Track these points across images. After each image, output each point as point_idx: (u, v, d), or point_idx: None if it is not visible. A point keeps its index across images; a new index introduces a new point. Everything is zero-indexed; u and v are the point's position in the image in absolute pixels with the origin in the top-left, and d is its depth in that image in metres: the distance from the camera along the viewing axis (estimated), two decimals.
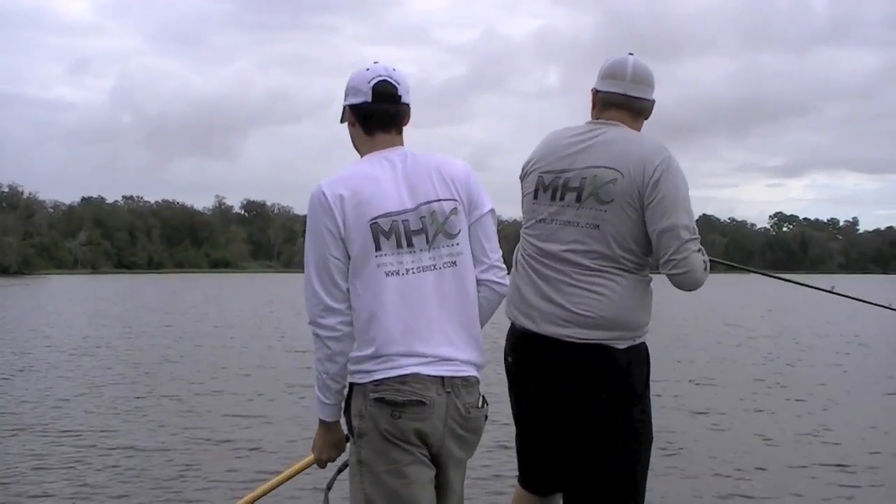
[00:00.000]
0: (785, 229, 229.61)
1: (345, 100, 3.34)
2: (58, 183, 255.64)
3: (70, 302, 47.27)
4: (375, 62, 3.31)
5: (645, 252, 3.49)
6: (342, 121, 3.38)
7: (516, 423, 3.87)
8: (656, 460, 8.74)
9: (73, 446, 9.71)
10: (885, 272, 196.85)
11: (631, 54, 3.74)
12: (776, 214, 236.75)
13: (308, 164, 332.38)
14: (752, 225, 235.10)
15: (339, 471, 4.63)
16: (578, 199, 3.50)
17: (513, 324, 3.72)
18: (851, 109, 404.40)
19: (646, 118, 3.71)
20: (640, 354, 3.57)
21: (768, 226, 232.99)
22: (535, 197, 3.66)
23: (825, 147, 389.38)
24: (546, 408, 3.63)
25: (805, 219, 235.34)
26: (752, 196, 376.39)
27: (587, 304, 3.46)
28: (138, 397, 13.33)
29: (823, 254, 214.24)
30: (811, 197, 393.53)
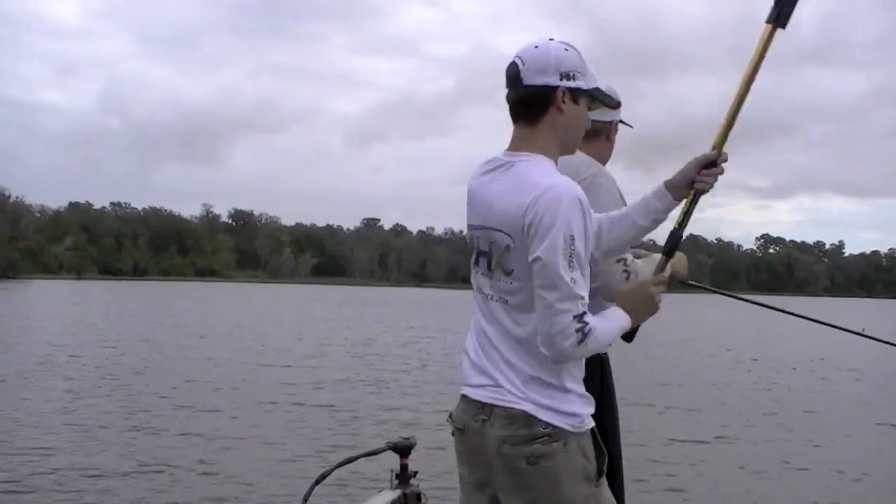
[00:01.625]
0: (771, 251, 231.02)
1: None
2: (45, 187, 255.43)
3: (48, 308, 46.99)
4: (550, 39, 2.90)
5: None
6: None
7: None
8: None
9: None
10: (870, 296, 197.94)
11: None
12: (762, 236, 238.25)
13: (294, 173, 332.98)
14: (739, 246, 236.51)
15: (317, 482, 4.56)
16: None
17: None
18: (838, 130, 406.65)
19: (607, 140, 3.87)
20: (599, 361, 3.61)
21: (754, 247, 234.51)
22: None
23: (811, 168, 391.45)
24: None
25: (791, 241, 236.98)
26: (738, 216, 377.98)
27: None
28: (100, 413, 13.10)
29: (809, 276, 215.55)
30: (797, 219, 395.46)
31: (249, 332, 31.70)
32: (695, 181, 3.03)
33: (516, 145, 2.85)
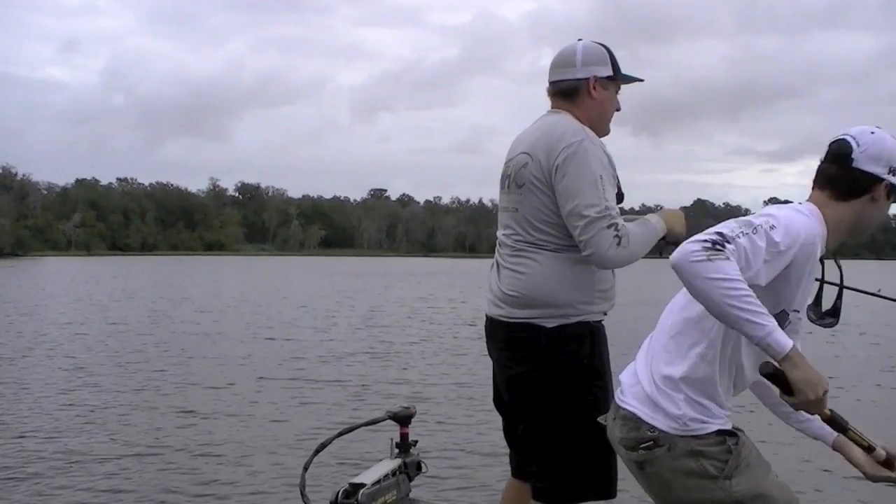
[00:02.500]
0: None
1: None
2: (51, 164, 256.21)
3: (54, 285, 47.07)
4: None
5: (566, 231, 3.48)
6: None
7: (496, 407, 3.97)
8: None
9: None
10: (879, 258, 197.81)
11: (580, 40, 3.72)
12: (771, 199, 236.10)
13: (301, 146, 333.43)
14: (747, 210, 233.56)
15: (317, 452, 4.52)
16: (508, 185, 3.65)
17: None
18: (846, 93, 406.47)
19: (590, 97, 3.64)
20: (574, 333, 3.53)
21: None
22: (500, 187, 3.78)
23: (819, 131, 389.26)
24: (500, 389, 3.77)
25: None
26: (746, 181, 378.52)
27: (511, 283, 3.55)
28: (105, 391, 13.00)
29: None
30: (805, 182, 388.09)
31: (257, 305, 31.62)
32: None
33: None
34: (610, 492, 3.60)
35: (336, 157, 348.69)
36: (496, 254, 3.70)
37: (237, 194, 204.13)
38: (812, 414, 2.68)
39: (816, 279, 3.05)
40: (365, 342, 19.64)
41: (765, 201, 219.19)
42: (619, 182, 3.61)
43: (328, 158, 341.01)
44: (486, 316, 3.73)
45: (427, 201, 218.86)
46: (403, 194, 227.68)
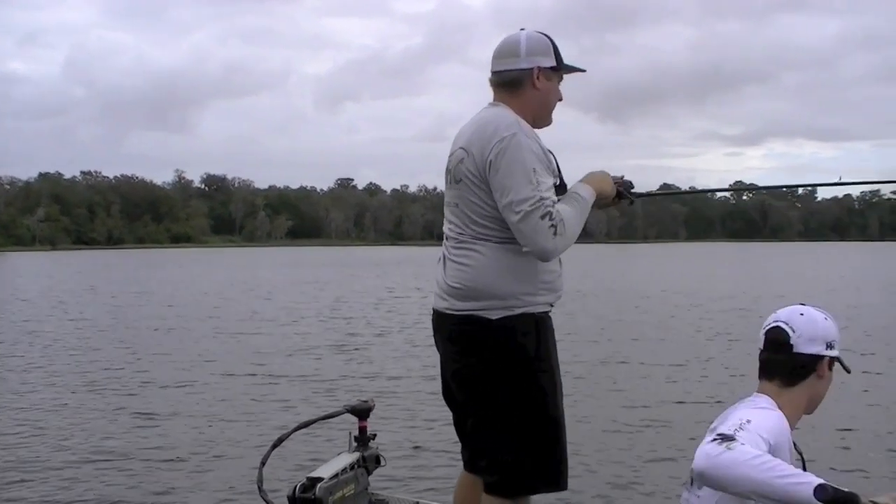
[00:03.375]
0: (745, 198, 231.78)
1: None
2: (13, 159, 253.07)
3: (16, 281, 46.65)
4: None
5: (505, 223, 3.47)
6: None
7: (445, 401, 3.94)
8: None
9: None
10: (843, 239, 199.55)
11: (522, 29, 3.70)
12: (736, 183, 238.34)
13: (267, 137, 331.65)
14: (713, 195, 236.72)
15: (274, 446, 4.51)
16: (449, 180, 3.66)
17: None
18: (810, 77, 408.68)
19: (534, 88, 3.62)
20: (518, 325, 3.51)
21: (728, 195, 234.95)
22: (446, 177, 3.77)
23: (783, 115, 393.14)
24: (453, 382, 3.73)
25: (765, 187, 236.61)
26: (711, 165, 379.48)
27: (456, 276, 3.54)
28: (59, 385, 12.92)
29: (783, 222, 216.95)
30: (770, 166, 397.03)
31: (222, 299, 31.49)
32: None
33: None
34: (560, 483, 3.58)
35: (302, 147, 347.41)
36: (443, 247, 3.69)
37: (203, 186, 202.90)
38: None
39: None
40: (329, 335, 19.60)
41: (730, 185, 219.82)
42: (560, 173, 3.60)
43: (295, 149, 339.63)
44: (433, 309, 3.72)
45: (394, 190, 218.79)
46: (370, 183, 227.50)
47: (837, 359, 2.91)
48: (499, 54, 3.65)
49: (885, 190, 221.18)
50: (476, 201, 3.50)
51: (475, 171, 3.48)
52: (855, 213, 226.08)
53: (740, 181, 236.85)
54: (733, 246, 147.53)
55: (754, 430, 2.58)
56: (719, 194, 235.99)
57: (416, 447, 9.05)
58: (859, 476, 7.91)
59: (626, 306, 26.60)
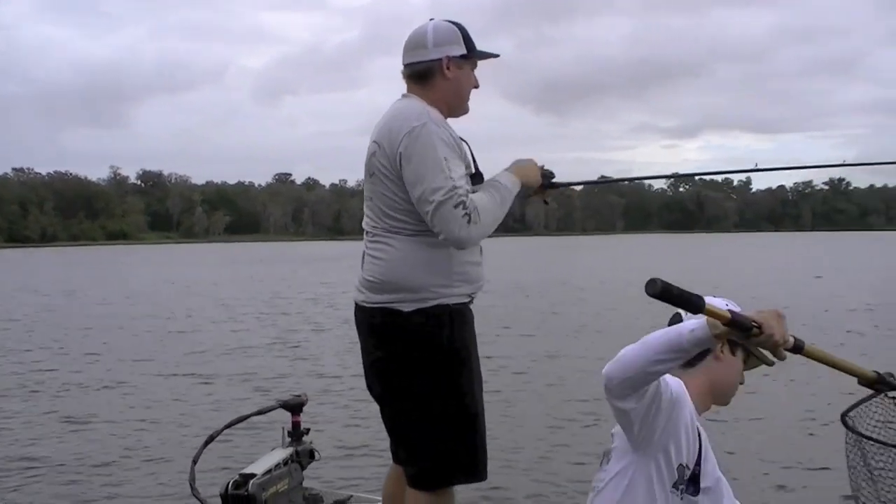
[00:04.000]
0: (682, 190, 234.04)
1: None
2: None
3: None
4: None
5: (422, 216, 3.47)
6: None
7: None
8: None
9: None
10: (777, 230, 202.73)
11: (431, 20, 3.72)
12: (673, 175, 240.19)
13: (203, 132, 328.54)
14: (650, 186, 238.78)
15: (206, 444, 4.49)
16: (366, 171, 3.68)
17: None
18: (744, 70, 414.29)
19: (444, 77, 3.63)
20: (432, 317, 3.52)
21: (665, 187, 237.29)
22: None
23: (720, 108, 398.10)
24: (370, 374, 3.74)
25: (701, 179, 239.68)
26: (648, 157, 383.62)
27: (371, 269, 3.58)
28: None
29: (719, 213, 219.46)
30: (706, 157, 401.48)
31: (157, 296, 31.12)
32: None
33: None
34: (478, 474, 3.60)
35: (240, 142, 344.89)
36: (364, 242, 3.71)
37: (139, 182, 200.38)
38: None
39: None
40: (265, 332, 19.51)
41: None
42: (475, 162, 3.63)
43: (232, 144, 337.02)
44: (354, 302, 3.73)
45: (333, 184, 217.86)
46: (309, 178, 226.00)
47: (744, 346, 2.84)
48: (408, 47, 3.67)
49: (818, 181, 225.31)
50: (388, 194, 3.51)
51: (387, 164, 3.49)
52: (789, 203, 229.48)
53: (677, 172, 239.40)
54: (670, 237, 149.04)
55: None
56: (657, 185, 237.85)
57: (353, 440, 9.05)
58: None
59: (565, 299, 26.75)
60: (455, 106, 3.65)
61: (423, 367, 3.51)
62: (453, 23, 3.66)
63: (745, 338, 2.39)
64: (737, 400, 2.96)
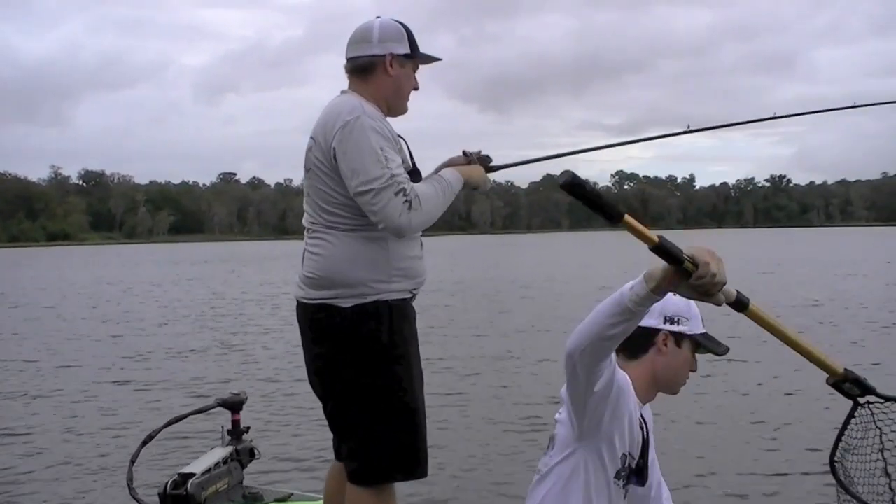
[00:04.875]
0: (626, 187, 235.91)
1: None
2: None
3: None
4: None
5: (356, 211, 3.50)
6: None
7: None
8: None
9: None
10: (720, 227, 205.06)
11: (378, 17, 3.76)
12: (617, 173, 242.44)
13: (145, 130, 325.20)
14: (595, 183, 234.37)
15: (144, 444, 4.45)
16: (305, 168, 3.69)
17: None
18: (686, 66, 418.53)
19: (386, 74, 3.66)
20: (370, 313, 3.52)
21: (610, 184, 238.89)
22: None
23: (662, 104, 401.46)
24: (310, 371, 3.74)
25: (645, 176, 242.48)
26: (593, 155, 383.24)
27: (309, 265, 3.59)
28: None
29: (663, 210, 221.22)
30: (650, 155, 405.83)
31: (98, 298, 30.62)
32: None
33: None
34: (417, 472, 3.60)
35: (183, 140, 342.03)
36: (304, 239, 3.71)
37: (81, 182, 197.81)
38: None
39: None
40: (208, 332, 19.31)
41: (611, 175, 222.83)
42: (413, 159, 3.65)
43: (175, 142, 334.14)
44: (296, 299, 3.73)
45: (278, 183, 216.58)
46: (254, 177, 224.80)
47: (691, 337, 2.90)
48: (352, 41, 3.69)
49: (759, 178, 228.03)
50: (325, 189, 3.52)
51: (322, 159, 3.51)
52: (731, 200, 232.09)
53: (621, 171, 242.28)
54: (614, 234, 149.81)
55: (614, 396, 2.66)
56: (601, 182, 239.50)
57: (294, 438, 9.01)
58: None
59: (512, 297, 26.79)
60: (394, 104, 3.67)
61: (362, 364, 3.51)
62: (400, 23, 3.69)
63: (679, 275, 2.23)
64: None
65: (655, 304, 2.63)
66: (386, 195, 3.34)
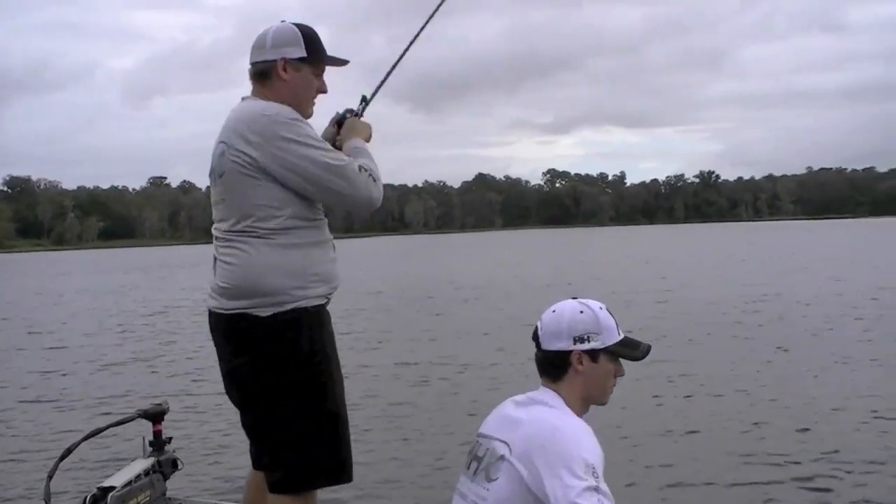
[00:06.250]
0: (558, 185, 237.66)
1: None
2: None
3: None
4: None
5: (275, 216, 3.48)
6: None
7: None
8: None
9: None
10: (652, 223, 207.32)
11: (283, 21, 3.71)
12: (549, 171, 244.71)
13: (73, 134, 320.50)
14: (527, 182, 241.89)
15: (62, 458, 4.33)
16: (213, 178, 3.63)
17: None
18: (618, 64, 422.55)
19: (281, 79, 3.62)
20: (289, 320, 3.49)
21: (542, 182, 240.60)
22: (210, 177, 3.72)
23: (593, 103, 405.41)
24: (228, 382, 3.69)
25: (576, 174, 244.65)
26: (525, 153, 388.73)
27: (224, 275, 3.53)
28: None
29: (595, 207, 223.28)
30: (581, 153, 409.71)
31: (18, 308, 30.05)
32: None
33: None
34: (342, 477, 3.60)
35: (111, 145, 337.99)
36: (214, 248, 3.66)
37: (6, 188, 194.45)
38: None
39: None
40: (131, 344, 18.89)
41: (543, 173, 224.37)
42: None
43: (103, 147, 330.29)
44: (209, 310, 3.67)
45: (209, 187, 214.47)
46: (184, 181, 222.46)
47: (605, 350, 2.91)
48: (253, 46, 3.67)
49: (689, 174, 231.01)
50: (244, 191, 3.47)
51: (242, 160, 3.45)
52: (662, 196, 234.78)
53: (553, 168, 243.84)
54: (549, 232, 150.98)
55: (600, 475, 2.61)
56: (533, 181, 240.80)
57: (217, 448, 8.92)
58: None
59: (447, 300, 26.61)
60: (295, 109, 3.58)
61: (282, 372, 3.47)
62: (302, 26, 3.65)
63: None
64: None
65: (562, 327, 2.89)
66: (351, 174, 3.43)
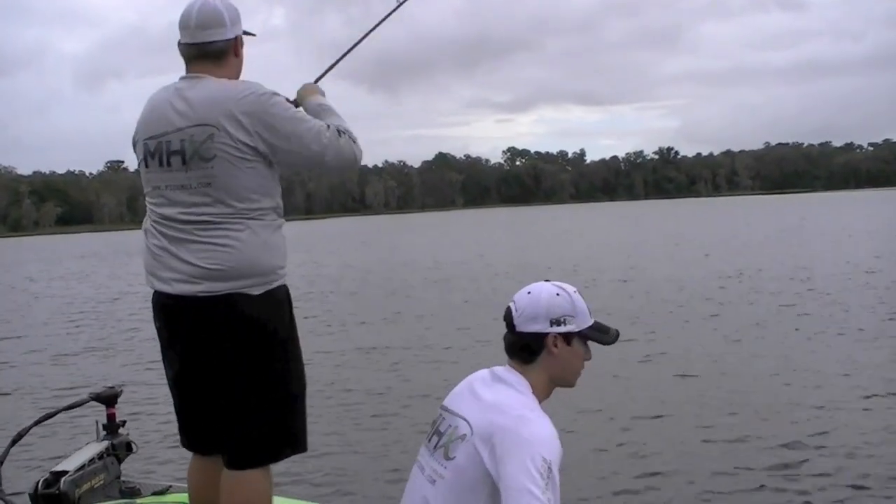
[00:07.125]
0: (518, 163, 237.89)
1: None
2: None
3: None
4: None
5: (265, 197, 3.51)
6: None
7: (172, 388, 3.79)
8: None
9: None
10: (612, 200, 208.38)
11: None
12: (509, 149, 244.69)
13: (26, 120, 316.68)
14: (487, 161, 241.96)
15: (13, 443, 4.29)
16: (184, 161, 3.46)
17: (154, 291, 3.64)
18: (574, 43, 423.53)
19: (235, 56, 3.64)
20: (278, 298, 3.55)
21: (502, 161, 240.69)
22: (147, 166, 3.63)
23: (551, 81, 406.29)
24: (197, 368, 3.59)
25: (536, 152, 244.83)
26: (484, 132, 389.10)
27: (213, 257, 3.42)
28: None
29: (555, 185, 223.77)
30: (540, 131, 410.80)
31: None
32: None
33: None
34: (304, 445, 3.64)
35: (66, 129, 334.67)
36: (168, 231, 3.50)
37: None
38: None
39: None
40: (87, 331, 18.74)
41: (503, 152, 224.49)
42: None
43: (58, 132, 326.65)
44: (167, 295, 3.55)
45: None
46: None
47: (579, 333, 2.94)
48: (203, 24, 3.56)
49: (648, 151, 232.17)
50: (238, 174, 3.42)
51: (235, 142, 3.39)
52: (622, 174, 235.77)
53: (513, 147, 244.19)
54: (509, 211, 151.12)
55: (555, 472, 2.63)
56: (493, 160, 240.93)
57: (171, 431, 8.81)
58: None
59: (409, 281, 26.51)
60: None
61: (264, 349, 3.49)
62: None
63: None
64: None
65: (539, 310, 2.92)
66: (333, 139, 3.49)
